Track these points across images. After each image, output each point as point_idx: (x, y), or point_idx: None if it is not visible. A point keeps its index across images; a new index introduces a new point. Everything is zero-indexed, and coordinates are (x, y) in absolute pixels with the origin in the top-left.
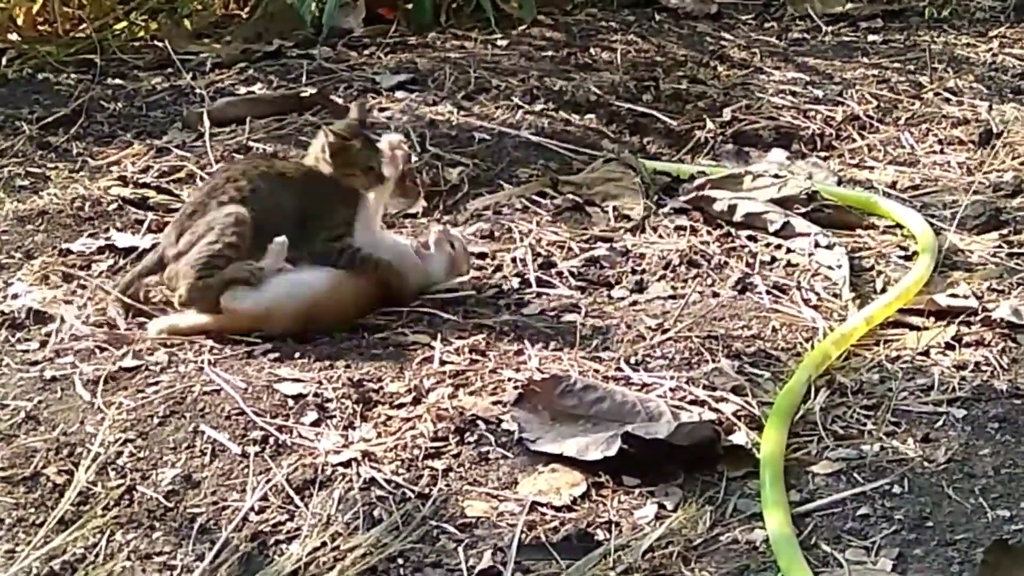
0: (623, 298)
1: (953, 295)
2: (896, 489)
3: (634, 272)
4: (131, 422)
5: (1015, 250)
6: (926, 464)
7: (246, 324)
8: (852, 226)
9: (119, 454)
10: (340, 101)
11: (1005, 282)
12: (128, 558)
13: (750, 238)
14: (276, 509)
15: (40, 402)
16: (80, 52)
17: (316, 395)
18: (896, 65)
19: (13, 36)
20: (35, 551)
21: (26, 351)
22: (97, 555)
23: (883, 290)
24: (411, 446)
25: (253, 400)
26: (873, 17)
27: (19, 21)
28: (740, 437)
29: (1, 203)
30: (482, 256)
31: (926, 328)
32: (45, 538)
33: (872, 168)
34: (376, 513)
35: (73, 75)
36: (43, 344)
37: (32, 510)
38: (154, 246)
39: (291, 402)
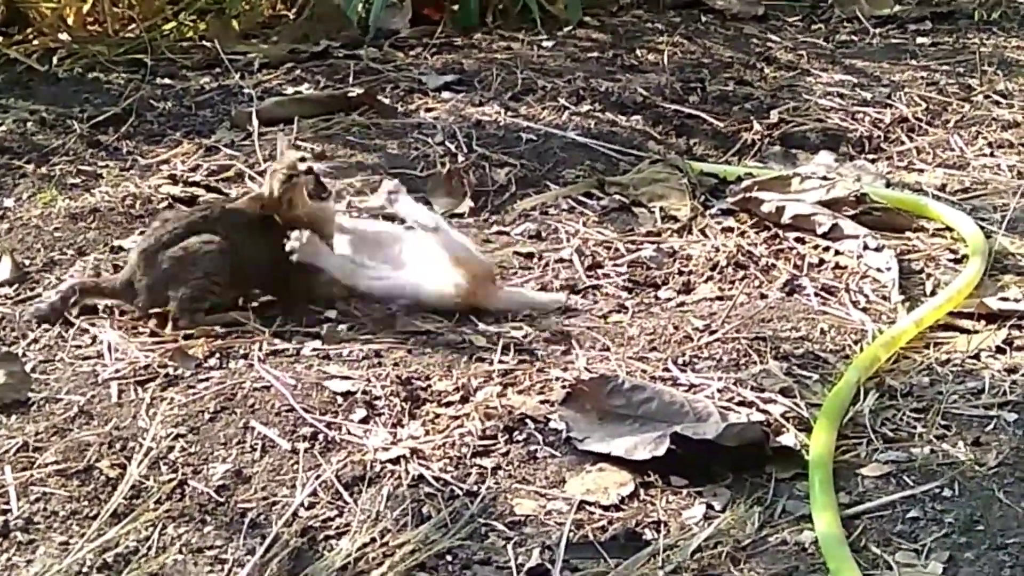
0: (670, 299)
1: (1004, 298)
2: (946, 492)
3: (681, 273)
4: (182, 418)
5: None
6: (977, 468)
7: None
8: (901, 229)
9: (171, 449)
10: (387, 101)
11: None
12: (180, 551)
13: (798, 240)
14: (325, 505)
15: (93, 397)
16: (130, 52)
17: (365, 392)
18: (945, 68)
19: (63, 36)
20: (88, 543)
21: (78, 347)
22: (149, 548)
23: (933, 293)
24: (459, 444)
25: (302, 397)
26: (922, 19)
27: (69, 21)
28: (789, 438)
29: (53, 200)
30: (529, 256)
31: (976, 331)
32: (98, 531)
33: (921, 171)
34: (425, 510)
35: (123, 74)
36: (95, 340)
37: (85, 503)
38: None
39: (340, 399)
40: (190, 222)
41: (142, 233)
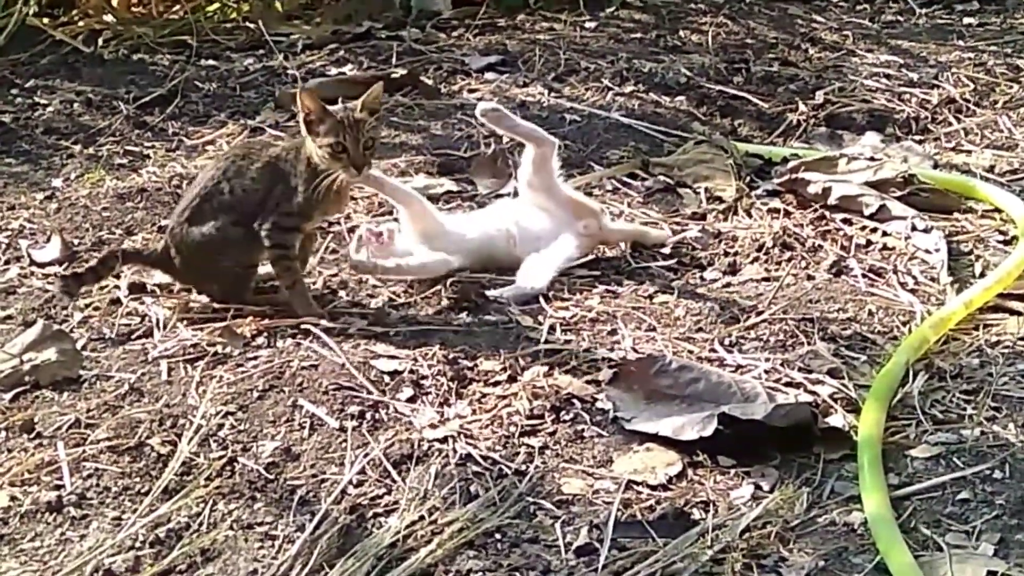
0: (716, 280)
1: None
2: (997, 474)
3: (727, 254)
4: (231, 395)
5: None
6: None
7: None
8: (950, 210)
9: (220, 426)
10: (430, 82)
11: None
12: (230, 527)
13: (845, 221)
14: (374, 483)
15: (143, 374)
16: (174, 33)
17: (412, 372)
18: (992, 48)
19: (108, 17)
20: (141, 519)
21: (128, 324)
22: (200, 524)
23: (982, 274)
24: (507, 423)
25: (350, 376)
26: None
27: (114, 2)
28: (837, 419)
29: (101, 181)
30: None
31: None
32: (150, 506)
33: (969, 152)
34: (473, 489)
35: (168, 56)
36: (144, 318)
37: (137, 479)
38: None
39: (387, 378)
40: (207, 191)
41: None
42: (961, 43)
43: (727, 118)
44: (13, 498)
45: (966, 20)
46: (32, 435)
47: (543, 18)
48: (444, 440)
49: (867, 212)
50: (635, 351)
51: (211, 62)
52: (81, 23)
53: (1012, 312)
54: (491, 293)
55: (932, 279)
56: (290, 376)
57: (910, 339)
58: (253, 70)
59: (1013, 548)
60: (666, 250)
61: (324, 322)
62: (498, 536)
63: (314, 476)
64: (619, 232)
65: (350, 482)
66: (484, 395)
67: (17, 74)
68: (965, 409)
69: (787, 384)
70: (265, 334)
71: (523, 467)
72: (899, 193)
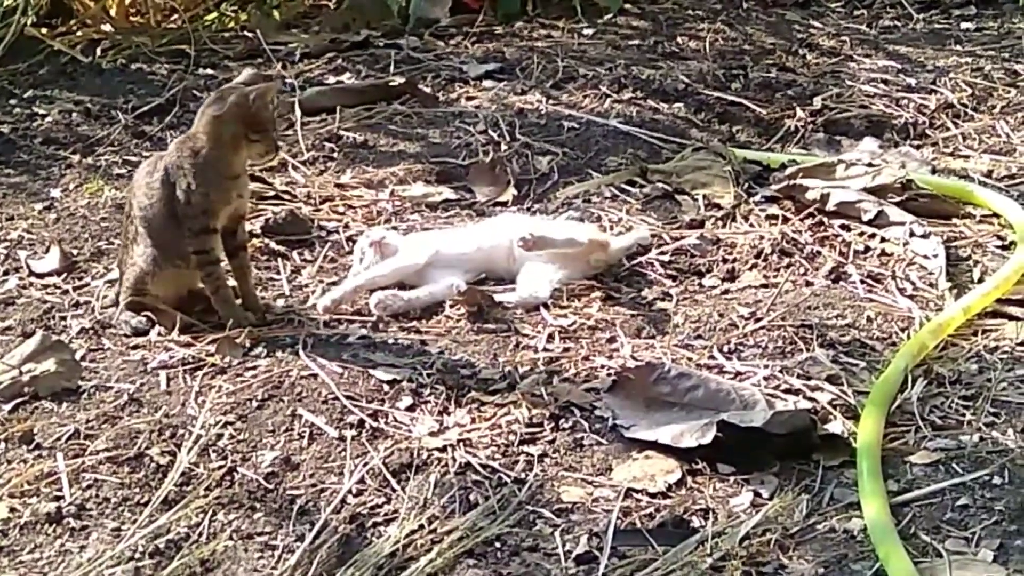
0: (715, 287)
1: None
2: (996, 480)
3: (725, 261)
4: (231, 405)
5: None
6: None
7: None
8: (948, 215)
9: (220, 436)
10: (428, 90)
11: None
12: (230, 537)
13: (843, 227)
14: (373, 492)
15: (142, 385)
16: (172, 43)
17: (410, 380)
18: (990, 53)
19: (107, 27)
20: (140, 530)
21: (127, 335)
22: (200, 534)
23: (980, 280)
24: (506, 431)
25: (349, 385)
26: (966, 4)
27: (112, 12)
28: (836, 426)
29: (100, 191)
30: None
31: None
32: (150, 517)
33: (967, 157)
34: (472, 497)
35: (166, 65)
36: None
37: (137, 490)
38: None
39: (386, 387)
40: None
41: None
42: (959, 48)
43: (725, 124)
44: (12, 509)
45: (964, 25)
46: (31, 446)
47: (541, 25)
48: (443, 449)
49: (865, 218)
50: (634, 359)
51: (209, 71)
52: (79, 33)
53: (1011, 317)
54: (498, 298)
55: (931, 285)
56: (289, 386)
57: (909, 345)
58: None
59: (1012, 554)
60: (665, 257)
61: (249, 321)
62: (498, 545)
63: (313, 486)
64: (620, 251)
65: (349, 491)
66: (483, 403)
67: (15, 84)
68: (964, 415)
69: (786, 391)
70: (264, 344)
71: (522, 475)
72: (897, 199)
